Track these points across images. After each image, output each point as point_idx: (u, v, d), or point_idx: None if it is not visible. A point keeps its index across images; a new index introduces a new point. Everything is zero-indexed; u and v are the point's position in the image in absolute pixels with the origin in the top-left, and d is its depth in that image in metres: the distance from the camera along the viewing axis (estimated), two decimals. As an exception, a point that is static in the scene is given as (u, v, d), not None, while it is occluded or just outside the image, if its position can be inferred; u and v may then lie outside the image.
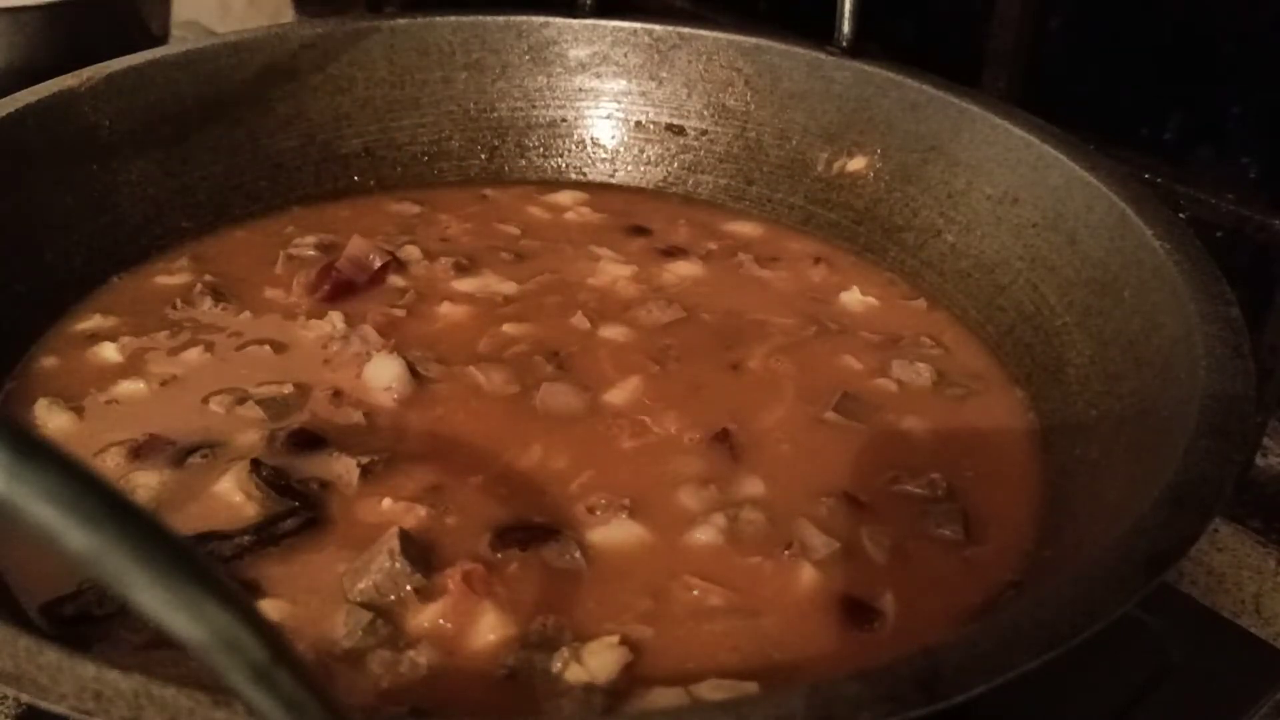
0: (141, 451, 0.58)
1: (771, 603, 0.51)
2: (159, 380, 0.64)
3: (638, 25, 0.87)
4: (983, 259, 0.72)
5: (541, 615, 0.49)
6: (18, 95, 0.71)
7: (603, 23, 0.87)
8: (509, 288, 0.73)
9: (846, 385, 0.65)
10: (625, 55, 0.87)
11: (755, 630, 0.49)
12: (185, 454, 0.58)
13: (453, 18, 0.87)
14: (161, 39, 1.04)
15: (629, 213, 0.84)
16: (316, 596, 0.50)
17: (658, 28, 0.87)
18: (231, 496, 0.55)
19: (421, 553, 0.52)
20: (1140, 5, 0.82)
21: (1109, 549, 0.41)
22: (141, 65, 0.77)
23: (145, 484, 0.56)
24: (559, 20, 0.87)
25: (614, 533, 0.54)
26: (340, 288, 0.71)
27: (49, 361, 0.65)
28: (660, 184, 0.87)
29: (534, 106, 0.88)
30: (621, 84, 0.88)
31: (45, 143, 0.71)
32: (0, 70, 0.90)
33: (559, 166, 0.89)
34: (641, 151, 0.88)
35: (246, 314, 0.70)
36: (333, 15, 0.88)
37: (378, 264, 0.73)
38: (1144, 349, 0.57)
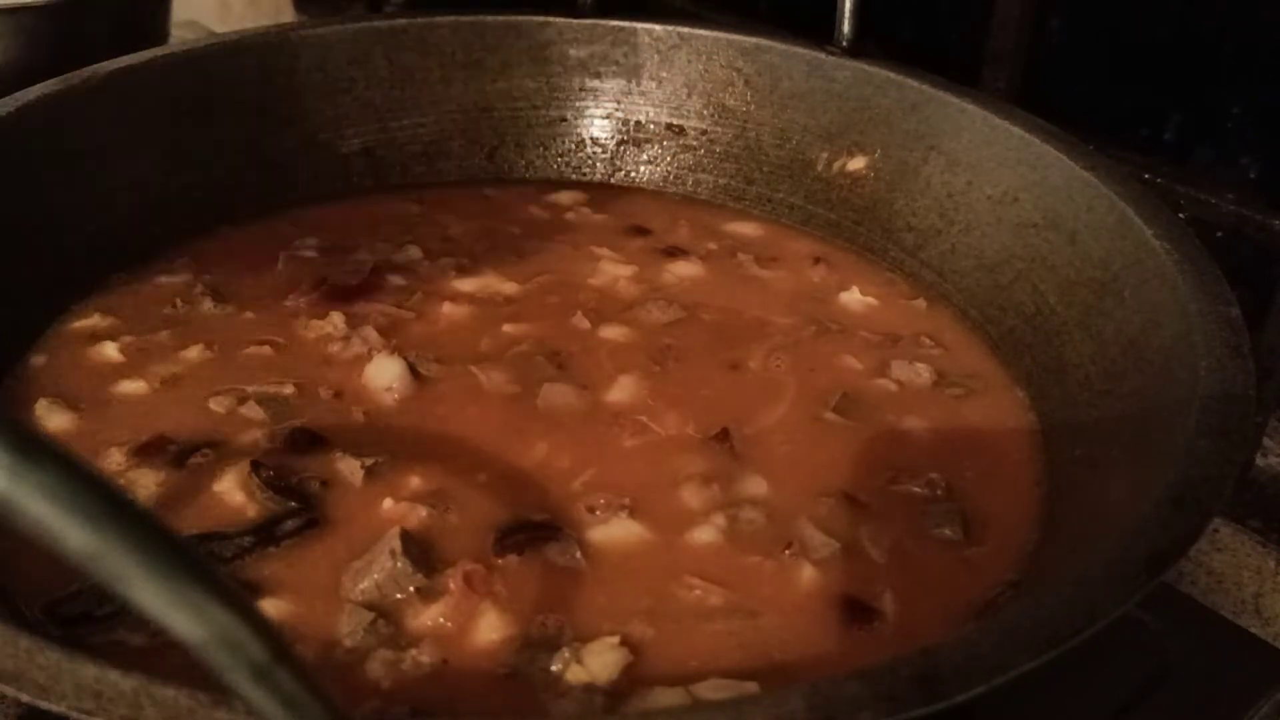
0: (141, 451, 0.58)
1: (771, 602, 0.51)
2: (159, 380, 0.64)
3: (638, 25, 0.87)
4: (983, 259, 0.72)
5: (542, 615, 0.49)
6: (18, 95, 0.71)
7: (603, 23, 0.87)
8: (510, 288, 0.73)
9: (846, 385, 0.65)
10: (625, 55, 0.87)
11: (755, 630, 0.49)
12: (185, 454, 0.58)
13: (453, 18, 0.87)
14: (161, 39, 1.04)
15: (629, 213, 0.84)
16: (317, 597, 0.50)
17: (658, 28, 0.87)
18: (232, 496, 0.55)
19: (423, 553, 0.52)
20: (1140, 5, 0.82)
21: (1109, 549, 0.41)
22: (141, 65, 0.77)
23: (145, 484, 0.56)
24: (559, 20, 0.87)
25: (615, 532, 0.54)
26: (333, 294, 0.71)
27: (49, 361, 0.65)
28: (660, 184, 0.87)
29: (534, 106, 0.88)
30: (621, 84, 0.88)
31: (45, 143, 0.71)
32: (0, 70, 0.90)
33: (559, 166, 0.89)
34: (641, 151, 0.88)
35: (247, 314, 0.70)
36: (333, 15, 0.88)
37: (368, 267, 0.73)
38: (1144, 349, 0.57)
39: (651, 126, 0.87)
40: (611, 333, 0.69)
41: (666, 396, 0.64)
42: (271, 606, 0.49)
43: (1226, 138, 0.80)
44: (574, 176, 0.88)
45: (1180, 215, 0.73)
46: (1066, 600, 0.38)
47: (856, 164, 0.80)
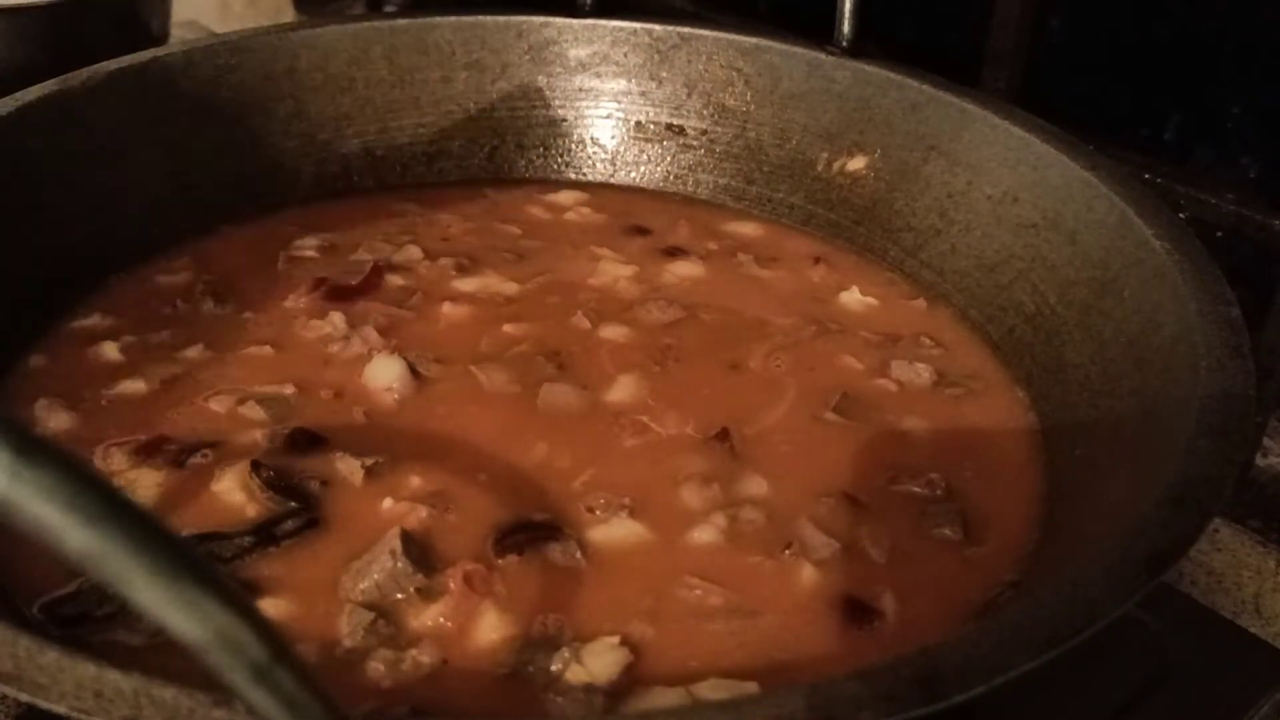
0: (142, 451, 0.58)
1: (771, 602, 0.51)
2: (159, 380, 0.64)
3: (638, 25, 0.87)
4: (983, 259, 0.72)
5: (542, 615, 0.49)
6: (18, 95, 0.71)
7: (603, 23, 0.87)
8: (510, 288, 0.73)
9: (846, 385, 0.65)
10: (625, 55, 0.87)
11: (755, 630, 0.49)
12: (185, 454, 0.58)
13: (453, 18, 0.86)
14: (161, 39, 1.04)
15: (629, 213, 0.84)
16: (318, 597, 0.50)
17: (658, 28, 0.87)
18: (232, 496, 0.55)
19: (423, 553, 0.52)
20: (1140, 5, 0.82)
21: (1109, 549, 0.41)
22: (141, 65, 0.77)
23: (145, 484, 0.56)
24: (559, 20, 0.87)
25: (615, 532, 0.54)
26: (333, 294, 0.71)
27: (49, 361, 0.65)
28: (660, 184, 0.87)
29: (534, 106, 0.88)
30: (621, 84, 0.88)
31: (45, 143, 0.71)
32: (0, 70, 0.90)
33: (559, 166, 0.89)
34: (641, 151, 0.88)
35: (247, 314, 0.70)
36: (333, 15, 0.88)
37: (368, 267, 0.73)
38: (1144, 349, 0.57)
39: (651, 126, 0.87)
40: (611, 333, 0.69)
41: (666, 396, 0.64)
42: (271, 606, 0.49)
43: (1226, 138, 0.80)
44: (574, 176, 0.88)
45: (1180, 215, 0.73)
46: (1066, 600, 0.38)
47: (856, 164, 0.80)
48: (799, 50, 0.83)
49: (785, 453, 0.60)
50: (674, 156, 0.87)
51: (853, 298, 0.74)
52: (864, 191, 0.80)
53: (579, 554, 0.53)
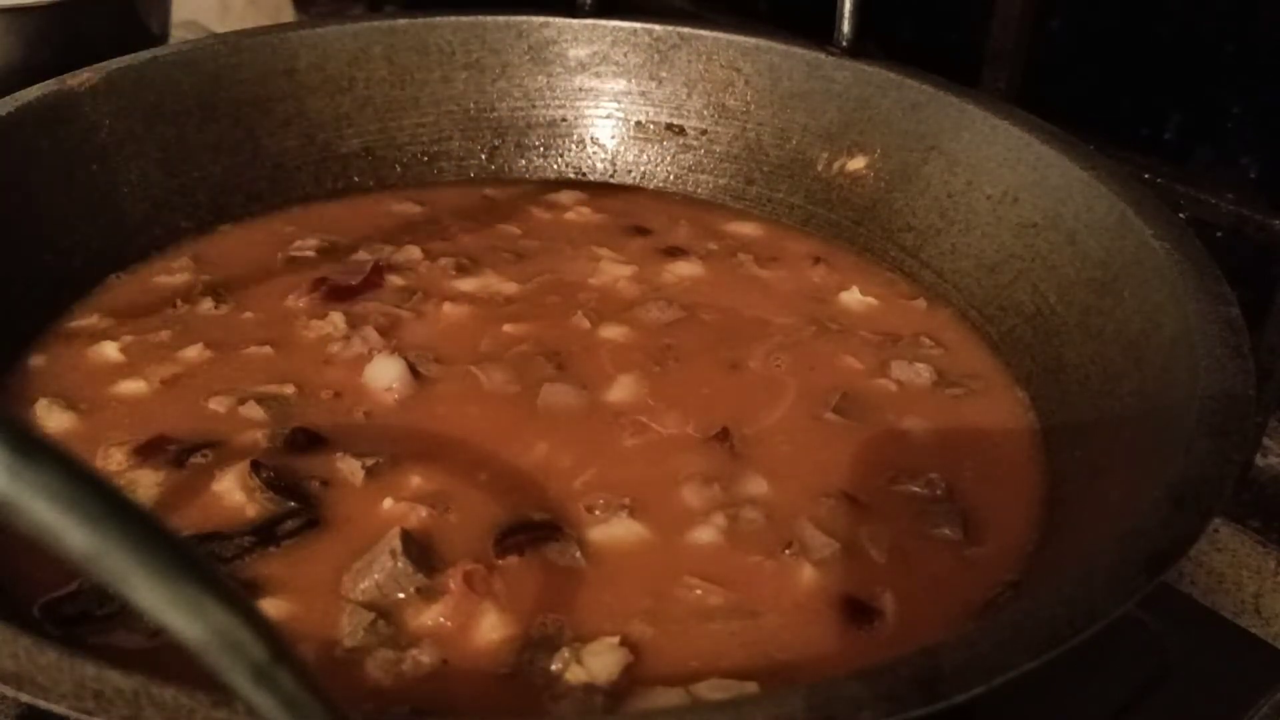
0: (142, 451, 0.58)
1: (771, 602, 0.51)
2: (159, 380, 0.64)
3: (638, 25, 0.87)
4: (983, 259, 0.72)
5: (542, 615, 0.49)
6: (18, 95, 0.71)
7: (603, 23, 0.87)
8: (510, 288, 0.73)
9: (846, 385, 0.65)
10: (625, 55, 0.87)
11: (755, 630, 0.49)
12: (186, 454, 0.58)
13: (453, 18, 0.87)
14: (161, 39, 1.04)
15: (629, 213, 0.84)
16: (318, 597, 0.50)
17: (658, 28, 0.87)
18: (232, 497, 0.55)
19: (423, 552, 0.52)
20: (1140, 5, 0.83)
21: (1109, 549, 0.41)
22: (141, 65, 0.77)
23: (145, 484, 0.56)
24: (559, 20, 0.87)
25: (615, 532, 0.54)
26: (333, 294, 0.71)
27: (49, 361, 0.65)
28: (660, 184, 0.87)
29: (534, 106, 0.88)
30: (621, 84, 0.88)
31: (45, 143, 0.71)
32: (0, 70, 0.90)
33: (559, 166, 0.89)
34: (641, 151, 0.88)
35: (247, 314, 0.70)
36: (333, 15, 0.88)
37: (368, 267, 0.73)
38: (1144, 349, 0.57)
39: (651, 126, 0.87)
40: (611, 333, 0.69)
41: (666, 396, 0.64)
42: (271, 606, 0.49)
43: (1226, 138, 0.80)
44: (574, 176, 0.88)
45: (1180, 215, 0.73)
46: (1066, 600, 0.38)
47: (856, 164, 0.80)
48: (799, 50, 0.83)
49: (785, 453, 0.60)
50: (674, 156, 0.87)
51: (853, 298, 0.74)
52: (864, 191, 0.80)
53: (579, 554, 0.53)
